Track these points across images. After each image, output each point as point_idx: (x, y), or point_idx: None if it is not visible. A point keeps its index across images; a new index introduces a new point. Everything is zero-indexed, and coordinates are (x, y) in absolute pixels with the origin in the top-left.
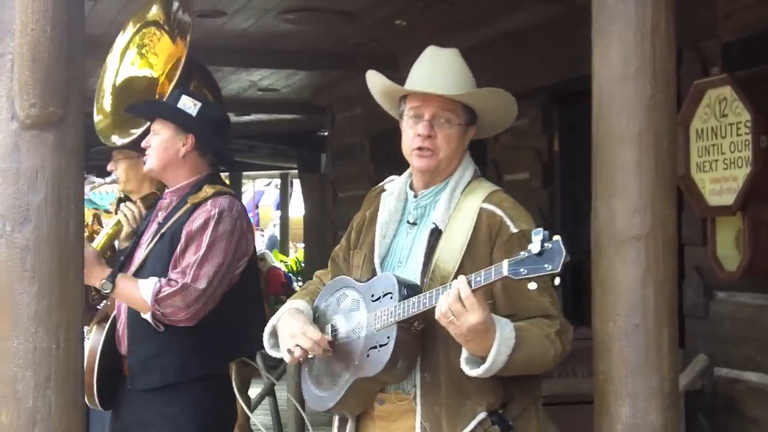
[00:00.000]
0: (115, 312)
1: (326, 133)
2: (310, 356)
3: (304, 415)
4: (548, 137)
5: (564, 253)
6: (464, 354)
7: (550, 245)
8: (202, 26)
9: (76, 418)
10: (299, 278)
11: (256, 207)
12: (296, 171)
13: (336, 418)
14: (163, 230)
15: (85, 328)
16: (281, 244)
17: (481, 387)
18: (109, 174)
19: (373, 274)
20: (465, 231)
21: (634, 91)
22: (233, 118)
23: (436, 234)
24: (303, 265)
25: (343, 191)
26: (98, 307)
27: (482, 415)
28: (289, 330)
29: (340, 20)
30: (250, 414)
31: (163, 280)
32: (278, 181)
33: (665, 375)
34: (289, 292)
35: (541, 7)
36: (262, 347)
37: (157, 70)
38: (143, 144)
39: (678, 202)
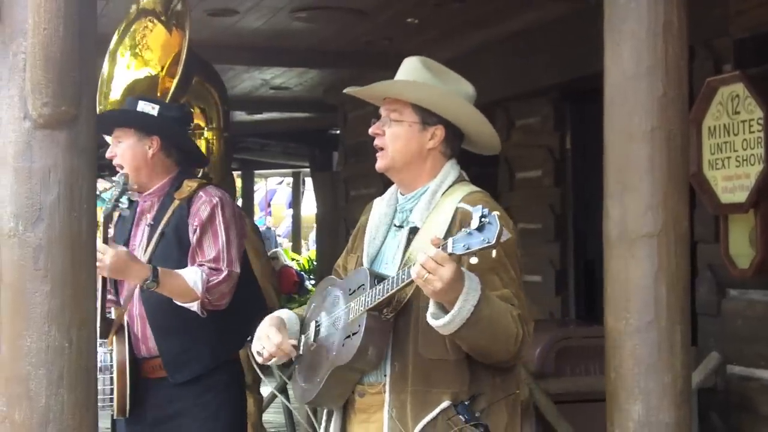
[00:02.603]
0: (126, 319)
1: (338, 132)
2: (275, 359)
3: (312, 418)
4: (560, 135)
5: (498, 226)
6: (431, 308)
7: (488, 220)
8: (214, 25)
9: (89, 417)
10: (312, 277)
11: (269, 205)
12: (308, 169)
13: (324, 413)
14: (159, 230)
15: (102, 341)
16: (293, 243)
17: (447, 376)
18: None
19: None
20: (441, 229)
21: (646, 89)
22: (245, 116)
23: (414, 232)
24: (315, 263)
25: (355, 189)
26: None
27: (445, 404)
28: (258, 332)
29: (352, 18)
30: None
31: (206, 269)
32: (290, 179)
33: (678, 373)
34: (302, 291)
35: (553, 5)
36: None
37: (155, 67)
38: (108, 155)
39: (690, 200)
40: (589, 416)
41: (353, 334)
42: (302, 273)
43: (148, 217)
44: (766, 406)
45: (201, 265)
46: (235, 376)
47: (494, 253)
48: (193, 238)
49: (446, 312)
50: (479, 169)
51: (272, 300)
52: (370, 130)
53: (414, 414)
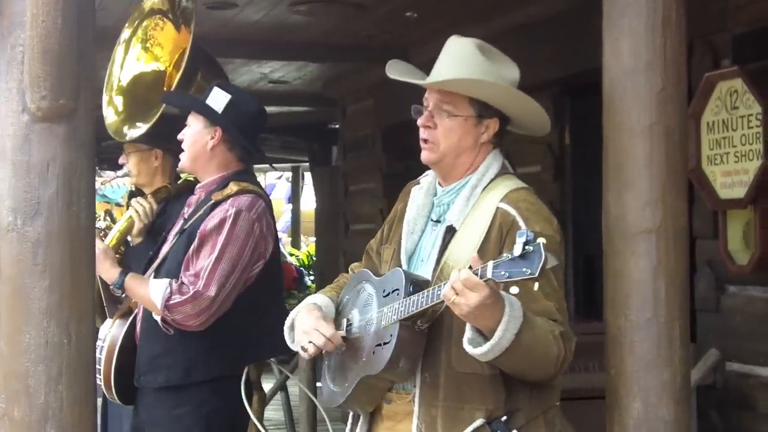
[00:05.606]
0: (136, 308)
1: (337, 126)
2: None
3: (318, 404)
4: (559, 130)
5: (543, 257)
6: (468, 333)
7: (531, 248)
8: (212, 18)
9: (87, 413)
10: (311, 272)
11: None
12: (307, 164)
13: (351, 415)
14: (185, 227)
15: (108, 321)
16: (293, 238)
17: (482, 392)
18: (120, 167)
19: None
20: (480, 230)
21: (644, 84)
22: None
23: (451, 232)
24: (314, 258)
25: (354, 184)
26: (122, 299)
27: (479, 422)
28: (303, 326)
29: (352, 12)
30: (258, 423)
31: (175, 285)
32: (289, 174)
33: (677, 369)
34: (301, 287)
35: None
36: (278, 353)
37: (164, 62)
38: (179, 136)
39: (689, 195)
40: (589, 413)
41: (384, 343)
42: (302, 268)
43: (187, 212)
44: (765, 403)
45: (179, 279)
46: (224, 394)
47: (536, 285)
48: (193, 245)
49: (484, 335)
50: None
51: None
52: (419, 122)
53: (445, 430)
